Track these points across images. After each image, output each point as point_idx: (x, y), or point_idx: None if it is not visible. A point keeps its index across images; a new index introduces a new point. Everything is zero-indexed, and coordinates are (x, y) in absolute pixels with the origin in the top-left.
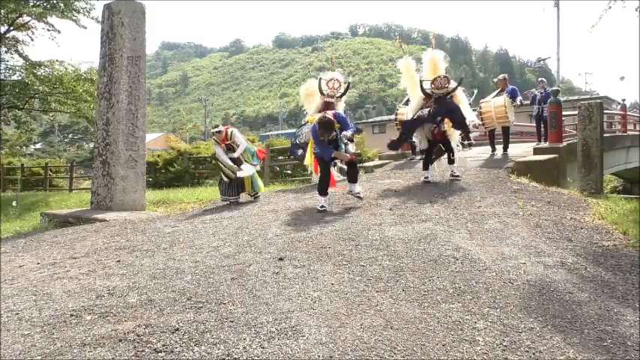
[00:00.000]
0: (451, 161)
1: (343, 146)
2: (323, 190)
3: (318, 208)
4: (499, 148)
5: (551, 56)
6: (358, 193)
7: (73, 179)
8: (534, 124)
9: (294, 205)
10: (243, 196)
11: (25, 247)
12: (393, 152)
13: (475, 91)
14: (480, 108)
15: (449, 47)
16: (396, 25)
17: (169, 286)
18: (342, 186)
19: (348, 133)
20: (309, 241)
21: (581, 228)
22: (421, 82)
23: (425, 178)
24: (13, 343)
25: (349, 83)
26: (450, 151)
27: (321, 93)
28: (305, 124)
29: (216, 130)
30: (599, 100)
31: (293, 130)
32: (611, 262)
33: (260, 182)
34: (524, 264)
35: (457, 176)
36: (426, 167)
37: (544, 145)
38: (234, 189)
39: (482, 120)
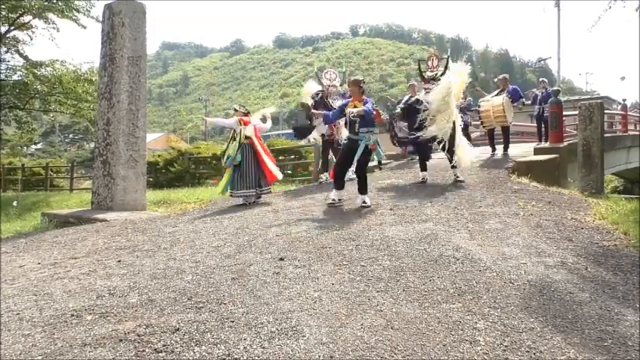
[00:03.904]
0: (452, 165)
1: (363, 145)
2: (338, 181)
3: (328, 201)
4: (499, 148)
5: (551, 56)
6: (363, 202)
7: (73, 179)
8: (535, 124)
9: (295, 205)
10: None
11: (25, 247)
12: (394, 152)
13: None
14: (479, 107)
15: (449, 47)
16: (396, 25)
17: (170, 286)
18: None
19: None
20: (309, 241)
21: (582, 228)
22: (419, 64)
23: (423, 179)
24: (13, 343)
25: (344, 73)
26: (449, 151)
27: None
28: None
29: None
30: (599, 100)
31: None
32: (611, 262)
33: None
34: (524, 264)
35: (461, 180)
36: (423, 168)
37: (545, 145)
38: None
39: (480, 119)
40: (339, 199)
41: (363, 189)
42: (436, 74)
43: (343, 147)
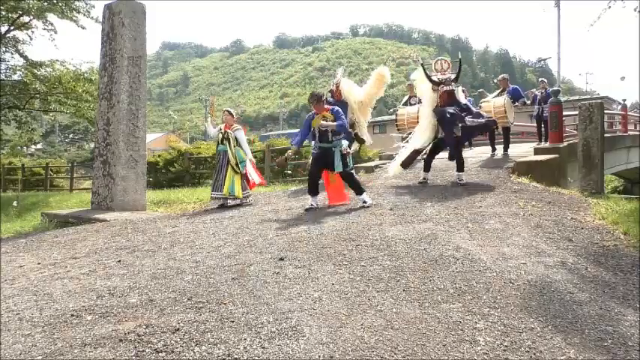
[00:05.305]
0: (460, 168)
1: (338, 152)
2: (311, 189)
3: (306, 206)
4: (499, 148)
5: (551, 56)
6: (364, 202)
7: (73, 179)
8: (535, 124)
9: (295, 205)
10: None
11: (25, 247)
12: (393, 153)
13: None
14: (480, 108)
15: (449, 47)
16: (396, 25)
17: (170, 286)
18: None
19: (344, 144)
20: (309, 241)
21: (582, 228)
22: (424, 67)
23: (423, 179)
24: (13, 343)
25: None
26: (458, 155)
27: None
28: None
29: (227, 110)
30: (599, 101)
31: (294, 131)
32: (611, 262)
33: (237, 187)
34: (524, 264)
35: (464, 184)
36: (427, 168)
37: (545, 145)
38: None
39: None
40: (317, 204)
41: (358, 190)
42: (448, 78)
43: (314, 157)
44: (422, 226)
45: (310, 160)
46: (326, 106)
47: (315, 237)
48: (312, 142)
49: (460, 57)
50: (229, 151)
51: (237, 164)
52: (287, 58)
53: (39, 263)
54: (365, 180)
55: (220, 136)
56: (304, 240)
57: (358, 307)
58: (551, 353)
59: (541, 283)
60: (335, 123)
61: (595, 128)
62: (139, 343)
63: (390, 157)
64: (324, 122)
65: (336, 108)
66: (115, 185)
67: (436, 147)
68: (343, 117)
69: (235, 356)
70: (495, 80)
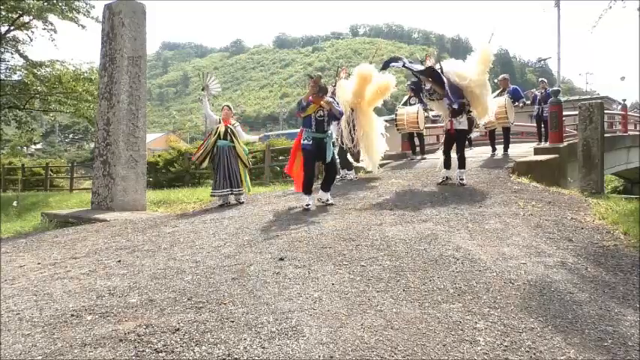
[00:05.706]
0: (461, 165)
1: (330, 143)
2: (308, 188)
3: (304, 206)
4: (499, 148)
5: (551, 56)
6: (327, 200)
7: (73, 179)
8: (535, 124)
9: (295, 205)
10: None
11: (25, 247)
12: (394, 152)
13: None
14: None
15: (449, 47)
16: (396, 25)
17: (170, 286)
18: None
19: (338, 108)
20: (309, 241)
21: (582, 228)
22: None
23: (444, 178)
24: (13, 343)
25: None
26: (460, 151)
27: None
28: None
29: (227, 105)
30: (599, 101)
31: (294, 130)
32: (611, 262)
33: (249, 183)
34: (524, 264)
35: (464, 184)
36: (447, 166)
37: (545, 145)
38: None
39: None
40: (313, 202)
41: (327, 186)
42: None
43: (307, 150)
44: (422, 226)
45: (303, 157)
46: (324, 97)
47: (315, 237)
48: (304, 132)
49: (435, 51)
50: (237, 146)
51: (247, 159)
52: (287, 58)
53: (39, 263)
54: (365, 180)
55: (223, 130)
56: (304, 240)
57: (358, 307)
58: (551, 353)
59: (541, 283)
60: (339, 108)
61: (595, 128)
62: (139, 343)
63: (390, 157)
64: (330, 101)
65: (330, 98)
66: (115, 185)
67: (450, 141)
68: (337, 104)
69: (235, 356)
70: (495, 80)
